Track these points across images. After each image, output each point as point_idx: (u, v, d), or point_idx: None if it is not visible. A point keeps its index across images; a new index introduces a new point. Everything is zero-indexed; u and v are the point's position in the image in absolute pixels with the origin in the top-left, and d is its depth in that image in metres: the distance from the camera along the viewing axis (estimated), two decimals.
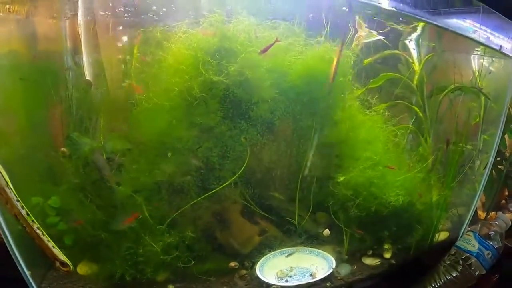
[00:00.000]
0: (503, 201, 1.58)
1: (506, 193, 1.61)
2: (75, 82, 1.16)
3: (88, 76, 1.15)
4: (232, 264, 1.07)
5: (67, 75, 1.17)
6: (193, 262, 1.00)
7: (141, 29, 1.06)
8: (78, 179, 1.08)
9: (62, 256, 0.99)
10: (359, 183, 1.04)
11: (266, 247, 1.10)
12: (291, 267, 1.08)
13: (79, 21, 1.11)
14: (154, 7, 1.08)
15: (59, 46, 1.16)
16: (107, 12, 1.15)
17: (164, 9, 1.07)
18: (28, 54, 1.16)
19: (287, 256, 1.08)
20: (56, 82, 1.15)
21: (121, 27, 1.15)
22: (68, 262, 0.99)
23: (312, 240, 1.13)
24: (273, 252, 1.10)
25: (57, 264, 0.99)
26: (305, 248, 1.12)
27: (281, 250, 1.11)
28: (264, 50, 0.97)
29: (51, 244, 0.97)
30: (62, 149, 1.11)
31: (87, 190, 1.06)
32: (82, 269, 1.09)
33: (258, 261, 1.06)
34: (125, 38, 1.16)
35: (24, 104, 1.15)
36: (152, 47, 1.03)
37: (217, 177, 1.00)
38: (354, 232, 1.09)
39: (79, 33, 1.13)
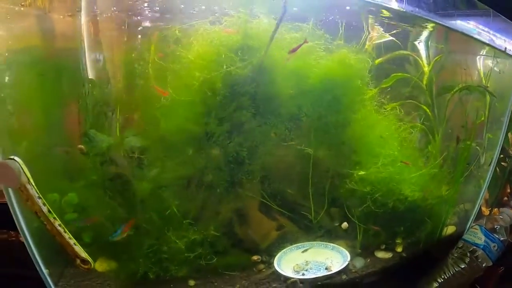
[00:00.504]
0: (505, 198, 1.63)
1: (508, 190, 1.67)
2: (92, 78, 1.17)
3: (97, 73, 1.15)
4: (255, 257, 1.09)
5: (82, 72, 1.19)
6: (215, 258, 1.03)
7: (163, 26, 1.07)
8: (97, 176, 1.09)
9: (83, 253, 0.99)
10: (376, 179, 1.07)
11: (283, 241, 1.13)
12: (307, 261, 1.11)
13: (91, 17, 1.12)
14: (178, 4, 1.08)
15: (75, 43, 1.17)
16: (123, 9, 1.16)
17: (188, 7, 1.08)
18: (46, 50, 1.16)
19: (303, 251, 1.11)
20: (72, 78, 1.16)
21: (140, 24, 1.16)
22: (89, 259, 0.99)
23: (328, 234, 1.16)
24: (290, 247, 1.13)
25: (78, 261, 1.00)
26: (321, 242, 1.15)
27: (298, 244, 1.14)
28: (294, 50, 0.98)
29: (72, 241, 0.97)
30: (80, 146, 1.12)
31: (107, 187, 1.07)
32: (101, 266, 1.09)
33: (275, 256, 1.10)
34: (144, 35, 1.17)
35: (42, 101, 1.15)
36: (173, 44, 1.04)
37: (246, 172, 1.03)
38: (371, 229, 1.13)
39: (90, 29, 1.14)
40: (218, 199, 1.04)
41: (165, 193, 1.01)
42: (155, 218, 1.03)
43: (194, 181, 1.03)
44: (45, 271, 1.02)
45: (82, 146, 1.11)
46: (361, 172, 1.06)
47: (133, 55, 1.16)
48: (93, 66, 1.16)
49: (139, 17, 1.13)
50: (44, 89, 1.13)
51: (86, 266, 1.02)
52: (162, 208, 1.02)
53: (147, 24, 1.13)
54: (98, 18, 1.14)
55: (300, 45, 0.98)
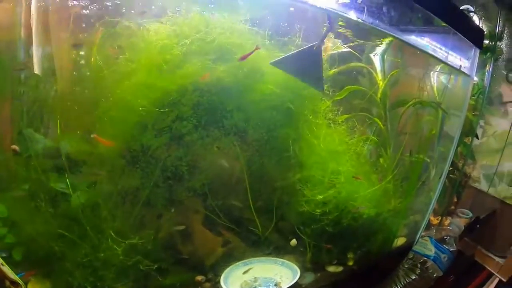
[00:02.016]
0: (452, 207, 1.70)
1: (455, 200, 1.74)
2: (28, 75, 1.07)
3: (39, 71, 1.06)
4: (199, 278, 1.04)
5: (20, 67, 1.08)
6: (155, 275, 0.97)
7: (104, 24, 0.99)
8: (29, 185, 0.99)
9: (12, 275, 0.91)
10: (328, 198, 1.05)
11: (230, 258, 1.09)
12: (256, 277, 1.07)
13: (32, 9, 1.02)
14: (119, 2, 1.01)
15: (13, 36, 1.06)
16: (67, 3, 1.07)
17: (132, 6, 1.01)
18: None
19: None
20: (7, 74, 1.05)
21: (82, 20, 1.07)
22: (20, 281, 0.91)
23: (276, 250, 1.13)
24: (237, 263, 1.09)
25: (7, 283, 0.91)
26: (270, 258, 1.12)
27: (245, 261, 1.10)
28: (244, 58, 0.94)
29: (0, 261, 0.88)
30: (13, 146, 1.02)
31: (40, 197, 0.97)
32: (35, 286, 1.01)
33: (222, 273, 1.05)
34: (85, 33, 1.08)
35: None
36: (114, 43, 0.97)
37: (186, 188, 0.97)
38: (323, 247, 1.11)
39: (32, 22, 1.04)
40: (157, 215, 0.97)
41: (99, 209, 0.94)
42: (90, 232, 0.95)
43: (129, 198, 0.95)
44: None
45: (16, 147, 1.01)
46: (312, 191, 1.03)
47: (74, 52, 1.07)
48: (37, 60, 1.06)
49: (84, 12, 1.04)
50: None
51: None
52: (97, 224, 0.95)
53: (91, 21, 1.05)
54: (43, 10, 1.04)
55: (251, 52, 0.93)
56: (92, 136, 0.94)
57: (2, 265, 0.88)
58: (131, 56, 0.96)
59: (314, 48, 0.95)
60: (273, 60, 0.95)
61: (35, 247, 0.98)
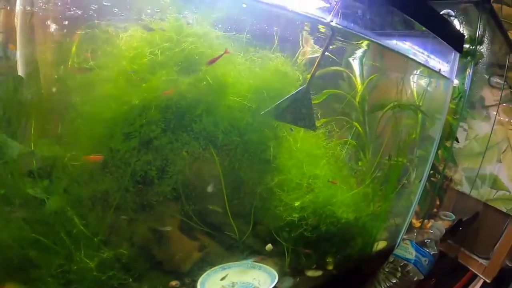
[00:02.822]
0: (435, 210, 1.71)
1: (437, 203, 1.75)
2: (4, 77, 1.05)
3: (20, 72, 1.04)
4: (173, 283, 1.02)
5: None
6: (129, 281, 0.95)
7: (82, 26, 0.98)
8: (4, 190, 0.97)
9: None
10: (305, 203, 1.04)
11: (207, 262, 1.08)
12: (233, 282, 1.06)
13: (16, 10, 1.00)
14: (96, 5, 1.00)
15: None
16: (47, 5, 1.05)
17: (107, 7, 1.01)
18: None
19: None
20: None
21: (60, 22, 1.06)
22: None
23: (254, 254, 1.12)
24: (214, 268, 1.07)
25: None
26: (247, 262, 1.11)
27: (223, 265, 1.09)
28: (212, 61, 0.93)
29: None
30: None
31: (13, 203, 0.96)
32: None
33: (198, 278, 1.03)
34: (62, 35, 1.07)
35: None
36: (92, 46, 0.96)
37: (156, 192, 0.96)
38: (301, 252, 1.10)
39: (15, 23, 1.02)
40: (128, 220, 0.96)
41: (70, 213, 0.92)
42: (64, 237, 0.93)
43: (100, 203, 0.94)
44: None
45: None
46: (290, 196, 1.02)
47: (51, 54, 1.06)
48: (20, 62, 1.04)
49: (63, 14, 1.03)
50: None
51: None
52: (70, 228, 0.93)
53: (68, 22, 1.04)
54: (27, 12, 1.03)
55: (220, 56, 0.93)
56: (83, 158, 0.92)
57: None
58: (101, 63, 0.95)
59: (303, 91, 0.96)
60: (263, 111, 0.96)
61: (9, 253, 0.96)
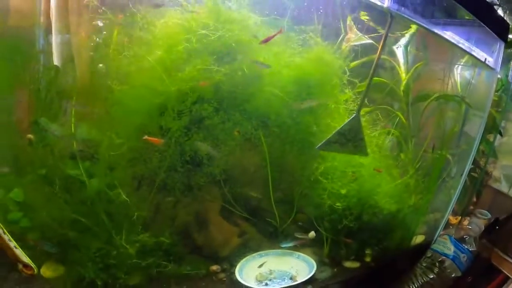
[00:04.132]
0: (471, 207, 1.65)
1: (475, 199, 1.69)
2: (47, 63, 1.07)
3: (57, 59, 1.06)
4: (214, 267, 1.02)
5: (38, 54, 1.08)
6: (169, 266, 0.95)
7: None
8: (45, 170, 0.99)
9: (25, 258, 0.90)
10: (350, 192, 1.02)
11: (246, 249, 1.07)
12: (271, 270, 1.06)
13: None
14: None
15: (32, 22, 1.06)
16: None
17: None
18: None
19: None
20: (26, 61, 1.05)
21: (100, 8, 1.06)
22: (32, 265, 0.91)
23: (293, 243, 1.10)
24: (253, 255, 1.07)
25: (20, 266, 0.91)
26: (286, 250, 1.10)
27: (261, 252, 1.08)
28: (266, 40, 0.92)
29: (12, 243, 0.88)
30: (29, 135, 1.01)
31: (55, 183, 0.97)
32: (47, 271, 1.00)
33: (237, 264, 1.03)
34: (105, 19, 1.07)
35: None
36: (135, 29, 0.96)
37: (204, 174, 0.94)
38: (340, 242, 1.08)
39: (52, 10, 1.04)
40: (173, 202, 0.96)
41: (114, 193, 0.92)
42: (104, 219, 0.94)
43: (145, 182, 0.93)
44: None
45: (31, 136, 1.01)
46: (334, 184, 1.00)
47: (94, 40, 1.07)
48: (56, 49, 1.06)
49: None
50: None
51: (29, 272, 0.93)
52: (112, 209, 0.94)
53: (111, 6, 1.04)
54: None
55: (274, 35, 0.92)
56: (144, 138, 0.92)
57: (16, 247, 0.89)
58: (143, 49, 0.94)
59: (354, 119, 0.95)
60: (318, 145, 0.95)
61: (49, 233, 0.98)
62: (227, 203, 1.03)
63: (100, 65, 1.05)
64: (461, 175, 1.29)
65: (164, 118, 0.91)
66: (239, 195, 1.03)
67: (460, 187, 1.30)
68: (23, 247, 0.91)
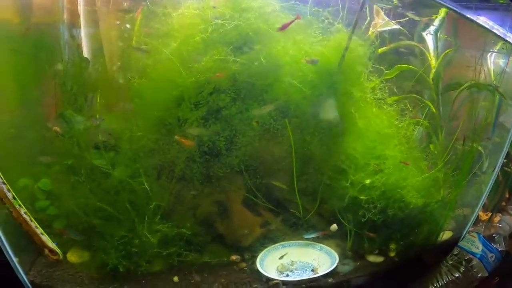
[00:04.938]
0: (504, 204, 1.57)
1: (507, 195, 1.60)
2: (71, 56, 1.09)
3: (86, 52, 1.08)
4: (234, 257, 1.03)
5: (62, 49, 1.11)
6: (190, 256, 0.96)
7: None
8: (71, 161, 1.01)
9: (51, 244, 0.94)
10: (375, 184, 0.98)
11: (268, 239, 1.06)
12: (292, 261, 1.05)
13: None
14: None
15: (55, 18, 1.08)
16: None
17: None
18: (21, 25, 1.07)
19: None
20: (50, 56, 1.08)
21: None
22: (58, 250, 0.94)
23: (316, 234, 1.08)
24: (274, 245, 1.06)
25: (46, 251, 0.94)
26: (308, 242, 1.08)
27: (283, 243, 1.07)
28: (284, 27, 0.90)
29: (39, 230, 0.91)
30: (55, 128, 1.04)
31: (80, 173, 0.99)
32: (73, 257, 1.04)
33: (258, 254, 1.03)
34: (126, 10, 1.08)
35: (15, 79, 1.08)
36: (155, 20, 0.96)
37: (223, 164, 0.94)
38: (364, 235, 1.05)
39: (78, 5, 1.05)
40: (192, 192, 0.96)
41: (135, 183, 0.93)
42: (128, 207, 0.95)
43: (164, 173, 0.94)
44: (14, 259, 0.96)
45: (58, 128, 1.03)
46: (357, 176, 0.97)
47: (116, 32, 1.08)
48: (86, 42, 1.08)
49: None
50: (17, 66, 1.05)
51: (54, 257, 0.97)
52: (134, 198, 0.95)
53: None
54: None
55: (292, 21, 0.89)
56: (176, 137, 0.93)
57: (42, 234, 0.92)
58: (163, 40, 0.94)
59: None
60: None
61: (75, 220, 1.01)
62: (250, 193, 1.02)
63: (126, 57, 1.06)
64: (493, 169, 1.22)
65: (182, 109, 0.91)
66: (263, 185, 1.02)
67: (491, 182, 1.24)
68: (50, 233, 0.95)
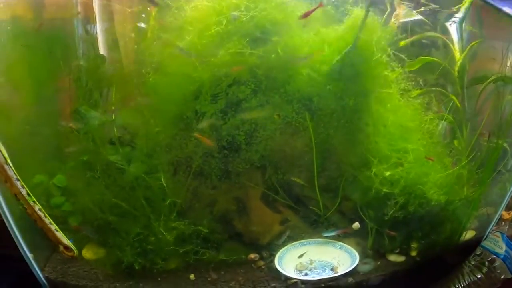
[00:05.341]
0: None
1: None
2: (86, 52, 1.08)
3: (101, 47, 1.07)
4: (252, 256, 1.01)
5: (77, 45, 1.10)
6: (207, 254, 0.95)
7: None
8: (86, 156, 1.00)
9: (65, 240, 0.93)
10: (396, 179, 0.95)
11: (287, 237, 1.04)
12: (312, 260, 1.02)
13: None
14: None
15: (69, 13, 1.07)
16: None
17: None
18: (34, 21, 1.07)
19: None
20: (65, 52, 1.07)
21: None
22: (73, 247, 0.94)
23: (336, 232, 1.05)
24: (293, 243, 1.04)
25: (61, 248, 0.94)
26: (328, 240, 1.05)
27: (303, 241, 1.05)
28: (306, 15, 0.87)
29: (53, 227, 0.91)
30: (70, 124, 1.04)
31: (95, 169, 0.98)
32: (88, 253, 1.04)
33: (277, 252, 1.01)
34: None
35: (29, 75, 1.07)
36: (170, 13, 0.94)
37: (242, 160, 0.92)
38: (385, 234, 1.02)
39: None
40: (210, 188, 0.94)
41: (151, 179, 0.92)
42: (144, 204, 0.94)
43: (181, 168, 0.92)
44: (29, 255, 0.95)
45: (72, 125, 1.02)
46: (380, 169, 0.93)
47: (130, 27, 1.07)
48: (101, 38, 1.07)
49: None
50: (32, 62, 1.05)
51: (69, 254, 0.96)
52: (149, 195, 0.94)
53: None
54: None
55: (314, 9, 0.86)
56: (195, 135, 0.92)
57: (56, 230, 0.91)
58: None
59: None
60: None
61: (90, 216, 1.00)
62: (270, 190, 1.00)
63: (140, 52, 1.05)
64: None
65: (199, 102, 0.89)
66: (283, 182, 1.00)
67: None
68: (65, 230, 0.94)
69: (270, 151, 0.94)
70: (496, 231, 1.19)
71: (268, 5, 0.91)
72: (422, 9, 1.01)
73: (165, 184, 0.92)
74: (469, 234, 1.20)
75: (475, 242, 1.17)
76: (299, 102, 0.92)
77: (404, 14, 1.03)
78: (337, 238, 1.06)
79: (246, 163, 0.93)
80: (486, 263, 1.10)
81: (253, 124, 0.91)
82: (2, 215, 0.92)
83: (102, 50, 1.09)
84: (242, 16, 0.90)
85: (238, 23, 0.90)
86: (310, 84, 0.90)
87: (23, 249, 0.95)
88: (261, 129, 0.91)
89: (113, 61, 1.09)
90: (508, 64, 1.12)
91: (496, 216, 1.23)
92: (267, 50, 0.90)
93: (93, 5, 1.08)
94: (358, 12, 0.92)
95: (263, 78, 0.89)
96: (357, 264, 0.98)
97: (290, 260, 1.00)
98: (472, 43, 1.11)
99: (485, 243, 1.17)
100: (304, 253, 1.02)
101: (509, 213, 1.42)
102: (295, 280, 0.94)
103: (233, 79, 0.86)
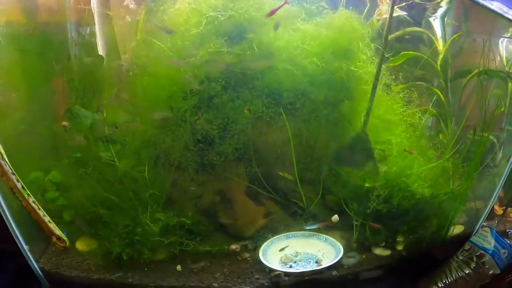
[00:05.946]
0: None
1: None
2: (78, 54, 1.12)
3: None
4: (233, 247, 1.02)
5: (70, 47, 1.14)
6: (191, 244, 0.97)
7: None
8: (79, 154, 1.04)
9: (58, 231, 0.96)
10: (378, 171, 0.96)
11: (271, 230, 1.05)
12: (297, 252, 1.03)
13: None
14: None
15: (62, 17, 1.12)
16: None
17: None
18: (28, 25, 1.11)
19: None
20: (58, 54, 1.11)
21: None
22: (64, 238, 0.97)
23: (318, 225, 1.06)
24: (277, 236, 1.05)
25: (54, 239, 0.97)
26: (312, 233, 1.06)
27: (287, 234, 1.06)
28: (272, 12, 0.88)
29: (46, 218, 0.94)
30: (63, 123, 1.08)
31: (88, 165, 1.02)
32: (81, 245, 1.07)
33: (261, 244, 1.02)
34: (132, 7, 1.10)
35: (24, 77, 1.12)
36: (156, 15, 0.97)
37: (217, 152, 0.94)
38: (369, 226, 1.02)
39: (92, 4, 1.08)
40: (192, 181, 0.96)
41: (134, 173, 0.95)
42: (131, 197, 0.97)
43: (160, 162, 0.94)
44: (25, 247, 0.99)
45: (66, 123, 1.07)
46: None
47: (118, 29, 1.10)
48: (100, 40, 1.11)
49: None
50: (26, 65, 1.09)
51: (62, 244, 0.99)
52: (136, 188, 0.97)
53: None
54: None
55: (279, 7, 0.87)
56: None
57: (49, 222, 0.94)
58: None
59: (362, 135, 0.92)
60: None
61: (82, 210, 1.03)
62: (251, 182, 1.02)
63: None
64: (508, 160, 1.16)
65: (173, 98, 0.91)
66: (263, 175, 1.01)
67: (506, 174, 1.18)
68: (59, 223, 0.97)
69: (245, 144, 0.95)
70: (486, 226, 1.18)
71: (244, 4, 0.93)
72: (403, 4, 1.02)
73: (147, 178, 0.95)
74: (457, 229, 1.20)
75: (464, 237, 1.16)
76: (268, 97, 0.93)
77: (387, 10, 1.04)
78: (323, 231, 1.06)
79: (220, 156, 0.95)
80: (475, 258, 1.10)
81: (225, 118, 0.93)
82: (0, 209, 0.97)
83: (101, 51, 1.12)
84: (220, 16, 0.92)
85: (217, 23, 0.92)
86: (281, 79, 0.92)
87: (19, 241, 0.99)
88: (233, 123, 0.93)
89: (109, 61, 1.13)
90: (496, 57, 1.12)
91: (486, 211, 1.22)
92: (243, 47, 0.92)
93: (84, 9, 1.12)
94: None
95: (232, 75, 0.90)
96: (341, 257, 0.99)
97: (274, 253, 1.02)
98: (454, 36, 1.11)
99: (473, 239, 1.16)
100: (286, 247, 1.03)
101: (502, 209, 1.40)
102: (278, 272, 0.95)
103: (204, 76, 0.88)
